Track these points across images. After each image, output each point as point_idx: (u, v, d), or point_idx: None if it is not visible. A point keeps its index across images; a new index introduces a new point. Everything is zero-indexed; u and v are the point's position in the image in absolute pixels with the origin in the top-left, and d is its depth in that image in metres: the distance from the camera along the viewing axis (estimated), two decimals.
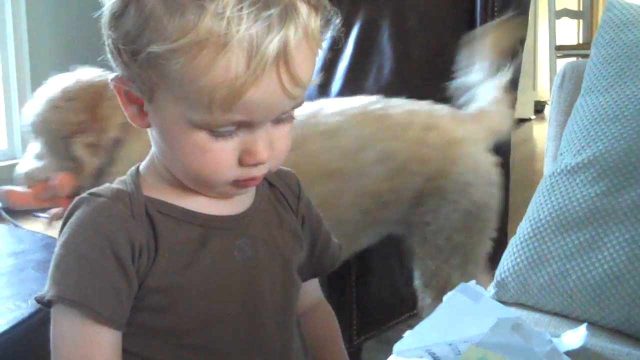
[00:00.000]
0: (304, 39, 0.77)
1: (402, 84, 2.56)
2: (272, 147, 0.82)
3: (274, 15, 0.74)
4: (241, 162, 0.81)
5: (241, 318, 0.87)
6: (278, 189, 0.96)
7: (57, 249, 0.83)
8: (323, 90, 2.68)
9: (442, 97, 2.48)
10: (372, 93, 2.58)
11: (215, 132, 0.79)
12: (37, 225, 3.22)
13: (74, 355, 0.81)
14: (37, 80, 3.63)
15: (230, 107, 0.76)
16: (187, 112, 0.78)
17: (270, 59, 0.74)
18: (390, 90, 2.56)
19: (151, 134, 0.87)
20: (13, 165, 3.61)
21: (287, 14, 0.75)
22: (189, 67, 0.74)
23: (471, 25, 2.49)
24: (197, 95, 0.76)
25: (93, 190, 0.85)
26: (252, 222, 0.90)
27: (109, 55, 0.82)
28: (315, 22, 0.79)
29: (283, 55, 0.75)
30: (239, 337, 0.87)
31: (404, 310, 2.09)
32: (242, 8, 0.73)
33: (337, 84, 2.65)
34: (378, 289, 2.08)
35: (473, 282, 1.05)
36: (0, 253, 1.56)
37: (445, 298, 1.04)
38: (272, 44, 0.74)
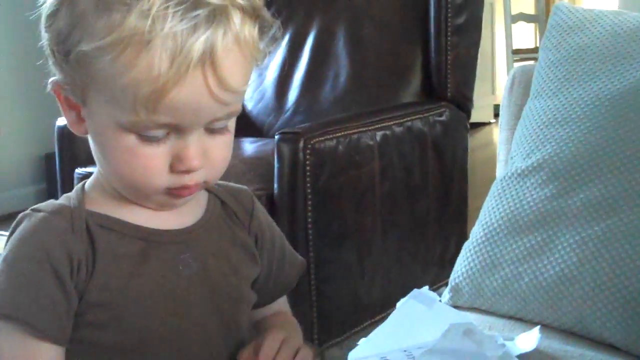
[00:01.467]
0: (235, 44, 0.77)
1: (359, 90, 2.57)
2: (205, 156, 0.81)
3: (201, 16, 0.74)
4: (172, 169, 0.81)
5: (189, 334, 0.86)
6: (229, 207, 0.94)
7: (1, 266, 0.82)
8: (280, 100, 2.68)
9: (397, 101, 2.50)
10: (328, 101, 2.59)
11: (144, 136, 0.78)
12: None
13: None
14: None
15: (154, 107, 0.75)
16: (115, 114, 0.77)
17: (195, 58, 0.74)
18: (347, 96, 2.58)
19: (90, 142, 0.86)
20: None
21: (216, 16, 0.75)
22: (114, 65, 0.74)
23: (425, 30, 2.51)
24: (122, 94, 0.75)
25: (35, 206, 0.85)
26: (200, 235, 0.89)
27: (48, 59, 0.82)
28: (249, 30, 0.78)
29: (209, 56, 0.75)
30: (185, 353, 0.85)
31: (365, 318, 2.09)
32: (167, 7, 0.73)
33: (293, 92, 2.66)
34: (338, 296, 2.07)
35: (426, 288, 1.05)
36: None
37: (398, 304, 1.04)
38: (197, 44, 0.74)
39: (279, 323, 0.98)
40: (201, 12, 0.74)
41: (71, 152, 2.31)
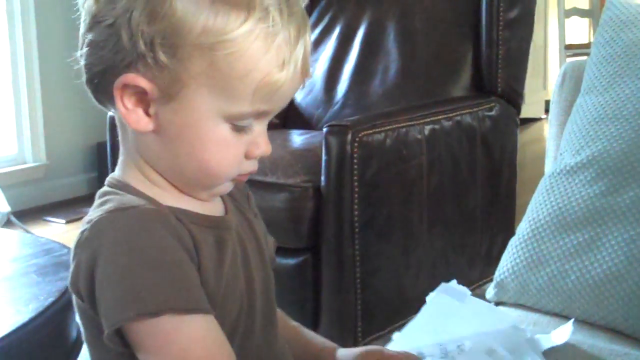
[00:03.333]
0: (309, 40, 0.84)
1: (408, 84, 2.56)
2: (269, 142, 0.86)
3: (300, 12, 0.81)
4: (248, 156, 0.84)
5: (241, 317, 0.87)
6: (232, 194, 0.95)
7: (123, 270, 0.76)
8: (329, 93, 2.69)
9: (447, 95, 2.49)
10: (377, 94, 2.59)
11: (238, 125, 0.81)
12: (48, 230, 3.24)
13: (200, 352, 0.77)
14: (46, 85, 3.66)
15: (270, 98, 0.80)
16: (221, 105, 0.80)
17: (301, 55, 0.80)
18: (396, 90, 2.57)
19: (149, 139, 0.83)
20: (23, 170, 3.65)
21: (304, 12, 0.83)
22: (238, 59, 0.77)
23: (476, 24, 2.49)
24: (240, 85, 0.78)
25: (112, 207, 0.80)
26: (233, 221, 0.91)
27: (118, 54, 0.79)
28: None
29: (305, 53, 0.82)
30: (259, 334, 0.89)
31: (409, 312, 2.08)
32: (280, 3, 0.79)
33: (343, 85, 2.66)
34: (383, 289, 2.08)
35: (454, 281, 1.05)
36: (3, 258, 1.56)
37: (428, 299, 1.04)
38: (301, 42, 0.80)
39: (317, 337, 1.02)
40: (298, 7, 0.81)
41: None
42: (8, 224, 2.98)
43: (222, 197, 0.92)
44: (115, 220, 0.78)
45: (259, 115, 0.82)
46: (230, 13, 0.77)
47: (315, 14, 2.78)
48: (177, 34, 0.77)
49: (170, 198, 0.85)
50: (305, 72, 0.82)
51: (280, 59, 0.79)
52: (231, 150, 0.82)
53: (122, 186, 0.84)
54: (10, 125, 3.72)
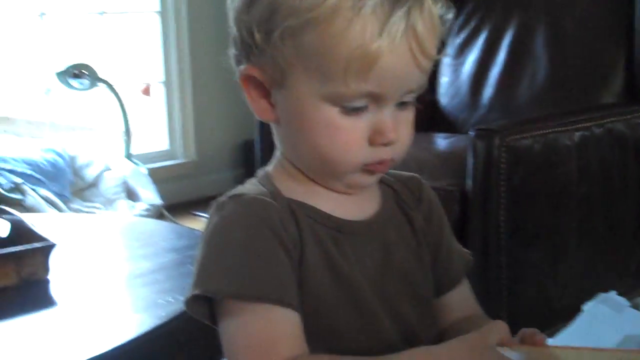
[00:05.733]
0: (428, 16, 0.79)
1: (557, 89, 2.51)
2: (397, 130, 0.83)
3: None
4: (371, 142, 0.82)
5: (385, 324, 0.86)
6: (400, 194, 0.94)
7: (210, 248, 0.82)
8: (475, 96, 2.66)
9: (597, 101, 2.42)
10: (525, 99, 2.55)
11: (347, 107, 0.80)
12: (196, 224, 3.36)
13: (261, 340, 0.79)
14: (197, 83, 3.79)
15: (365, 75, 0.78)
16: (321, 87, 0.79)
17: (402, 26, 0.77)
18: (544, 95, 2.52)
19: (277, 130, 0.87)
20: (174, 166, 3.79)
21: None
22: (324, 35, 0.77)
23: (629, 29, 2.41)
24: (333, 64, 0.78)
25: (232, 192, 0.85)
26: (382, 226, 0.89)
27: (238, 47, 0.84)
28: (435, 7, 0.81)
29: (412, 25, 0.77)
30: (388, 341, 0.85)
31: (555, 322, 2.04)
32: None
33: (489, 89, 2.63)
34: (529, 298, 2.04)
35: (613, 292, 1.02)
36: (161, 248, 1.64)
37: (585, 308, 1.02)
38: (401, 13, 0.77)
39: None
40: None
41: (271, 139, 2.39)
42: (160, 217, 3.11)
43: (383, 194, 0.91)
44: (224, 206, 0.83)
45: (368, 96, 0.80)
46: None
47: (462, 18, 2.76)
48: (268, 19, 0.79)
49: (301, 191, 0.86)
50: (417, 48, 0.78)
51: (371, 30, 0.76)
52: (343, 134, 0.81)
53: (262, 176, 0.88)
54: (162, 123, 3.87)
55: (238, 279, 0.80)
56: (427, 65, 0.81)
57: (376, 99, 0.80)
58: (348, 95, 0.79)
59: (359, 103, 0.80)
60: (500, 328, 0.81)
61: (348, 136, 0.81)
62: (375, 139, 0.82)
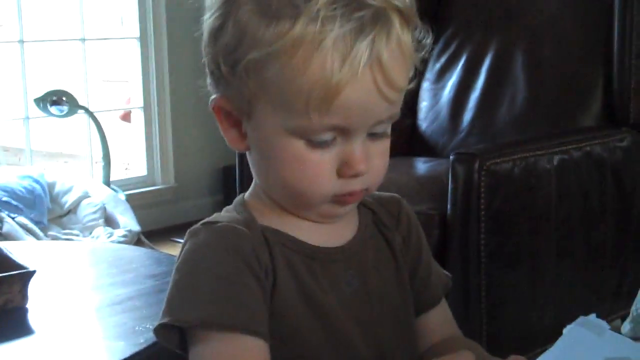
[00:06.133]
0: (397, 45, 0.78)
1: (536, 112, 2.52)
2: (368, 161, 0.81)
3: (366, 17, 0.75)
4: (339, 174, 0.81)
5: (361, 350, 0.85)
6: (378, 216, 0.93)
7: (180, 276, 0.82)
8: (455, 120, 2.67)
9: (576, 124, 2.43)
10: (504, 123, 2.56)
11: (313, 141, 0.79)
12: (175, 250, 3.34)
13: None
14: (176, 109, 3.79)
15: (327, 108, 0.76)
16: (285, 121, 0.79)
17: (365, 58, 0.75)
18: (524, 118, 2.53)
19: (250, 157, 0.87)
20: (153, 192, 3.78)
21: (379, 17, 0.76)
22: (285, 70, 0.76)
23: (608, 53, 2.43)
24: (295, 98, 0.77)
25: (206, 219, 0.85)
26: (359, 251, 0.89)
27: (209, 76, 0.85)
28: (406, 34, 0.79)
29: (376, 56, 0.76)
30: None
31: (535, 345, 2.04)
32: (335, 9, 0.75)
33: (469, 113, 2.64)
34: (509, 321, 2.04)
35: (593, 315, 1.02)
36: (140, 275, 1.62)
37: (565, 331, 1.01)
38: (365, 44, 0.75)
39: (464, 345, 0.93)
40: (365, 13, 0.75)
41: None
42: (138, 243, 3.09)
43: (361, 217, 0.90)
44: (197, 233, 0.83)
45: (334, 129, 0.79)
46: (275, 27, 0.76)
47: (441, 42, 2.77)
48: (232, 51, 0.79)
49: (276, 218, 0.86)
50: (381, 79, 0.77)
51: (332, 63, 0.75)
52: (310, 167, 0.80)
53: (238, 203, 0.88)
54: (141, 149, 3.86)
55: (207, 307, 0.79)
56: (394, 96, 0.79)
57: (343, 131, 0.79)
58: (312, 128, 0.78)
59: (324, 136, 0.79)
60: (465, 358, 0.81)
61: (315, 169, 0.80)
62: (343, 171, 0.81)
